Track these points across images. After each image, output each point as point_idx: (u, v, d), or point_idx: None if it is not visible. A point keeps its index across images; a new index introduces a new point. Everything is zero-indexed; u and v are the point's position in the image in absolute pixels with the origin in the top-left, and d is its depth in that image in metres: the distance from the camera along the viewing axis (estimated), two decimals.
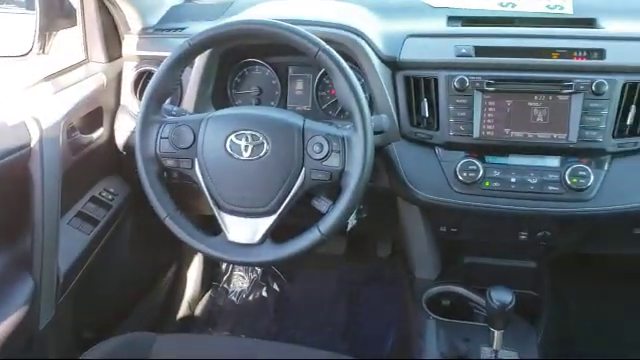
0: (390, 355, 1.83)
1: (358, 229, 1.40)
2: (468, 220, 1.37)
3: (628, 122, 1.15)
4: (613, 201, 1.16)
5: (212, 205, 1.09)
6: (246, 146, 1.05)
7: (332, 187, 1.09)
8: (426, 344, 1.24)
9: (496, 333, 1.14)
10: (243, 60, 1.42)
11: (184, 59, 1.10)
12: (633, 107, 1.14)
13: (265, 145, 1.05)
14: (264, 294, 2.15)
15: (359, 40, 1.23)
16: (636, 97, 1.15)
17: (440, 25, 1.35)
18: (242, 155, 1.06)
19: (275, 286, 2.16)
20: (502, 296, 1.10)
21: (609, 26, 1.27)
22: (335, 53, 1.05)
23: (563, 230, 1.32)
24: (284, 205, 1.07)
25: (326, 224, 1.05)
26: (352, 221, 1.26)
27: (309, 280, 2.19)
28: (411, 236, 1.49)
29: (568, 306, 1.88)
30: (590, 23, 1.30)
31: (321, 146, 1.05)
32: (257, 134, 1.05)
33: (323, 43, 1.05)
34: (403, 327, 1.60)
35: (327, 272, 2.19)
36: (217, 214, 1.10)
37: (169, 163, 1.11)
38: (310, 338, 1.96)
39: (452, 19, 1.37)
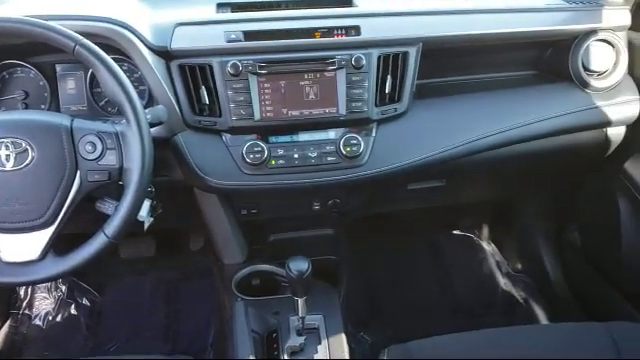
0: (213, 345, 1.84)
1: (162, 226, 1.37)
2: (264, 200, 1.42)
3: (387, 91, 1.27)
4: (382, 163, 1.28)
5: None
6: (7, 155, 0.97)
7: (116, 187, 1.06)
8: (236, 325, 1.26)
9: (299, 301, 1.20)
10: (1, 63, 1.29)
11: None
12: (389, 77, 1.27)
13: (30, 152, 0.98)
14: (74, 312, 2.00)
15: (125, 32, 1.19)
16: (390, 68, 1.27)
17: (209, 12, 1.35)
18: (5, 166, 0.97)
19: (85, 301, 2.03)
20: (299, 265, 1.16)
21: (362, 4, 1.38)
22: (94, 47, 1.01)
23: (349, 196, 1.43)
24: (62, 214, 1.01)
25: (112, 226, 1.02)
26: (147, 219, 1.22)
27: (122, 288, 2.10)
28: (214, 224, 1.49)
29: (366, 264, 2.06)
30: (347, 2, 1.40)
31: (94, 145, 1.01)
32: (18, 141, 0.97)
33: (80, 37, 1.00)
34: (221, 315, 1.61)
35: (141, 276, 2.12)
36: None
37: None
38: (129, 347, 1.89)
39: (221, 6, 1.39)
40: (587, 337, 1.16)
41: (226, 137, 1.26)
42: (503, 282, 2.10)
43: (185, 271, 2.13)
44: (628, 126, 1.47)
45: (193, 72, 1.23)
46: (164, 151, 1.24)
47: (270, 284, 1.48)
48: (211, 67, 1.22)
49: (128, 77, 1.05)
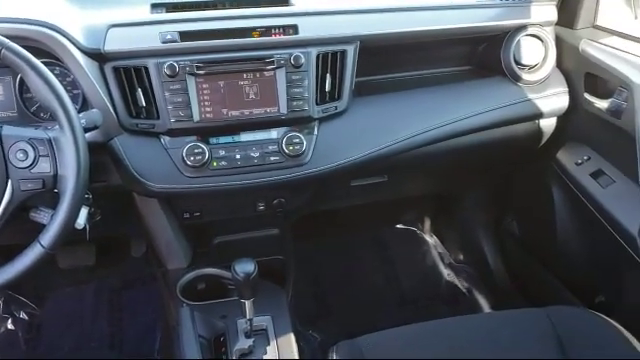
0: (160, 351, 1.80)
1: (102, 233, 1.33)
2: (207, 202, 1.40)
3: (327, 89, 1.28)
4: (325, 161, 1.28)
5: None
6: None
7: (51, 195, 1.02)
8: (183, 331, 1.24)
9: (247, 303, 1.20)
10: None
11: None
12: (328, 75, 1.27)
13: None
14: (11, 327, 1.92)
15: (55, 34, 1.15)
16: (329, 66, 1.28)
17: (144, 13, 1.32)
18: None
19: (23, 315, 1.95)
20: (245, 267, 1.15)
21: (300, 3, 1.38)
22: (22, 50, 0.97)
23: (294, 194, 1.43)
24: None
25: (48, 236, 0.98)
26: (86, 226, 1.18)
27: (63, 300, 2.02)
28: (155, 229, 1.46)
29: (312, 262, 2.07)
30: (284, 1, 1.40)
31: (25, 153, 0.97)
32: None
33: (6, 40, 0.97)
34: (167, 321, 1.58)
35: (81, 286, 2.05)
36: None
37: None
38: (73, 359, 1.82)
39: (156, 6, 1.35)
40: (528, 322, 1.20)
41: (165, 139, 1.23)
42: (446, 273, 2.15)
43: (128, 278, 2.07)
44: (559, 117, 1.54)
45: (128, 74, 1.20)
46: (101, 156, 1.20)
47: (216, 287, 1.46)
48: (147, 69, 1.19)
49: (60, 81, 1.02)
